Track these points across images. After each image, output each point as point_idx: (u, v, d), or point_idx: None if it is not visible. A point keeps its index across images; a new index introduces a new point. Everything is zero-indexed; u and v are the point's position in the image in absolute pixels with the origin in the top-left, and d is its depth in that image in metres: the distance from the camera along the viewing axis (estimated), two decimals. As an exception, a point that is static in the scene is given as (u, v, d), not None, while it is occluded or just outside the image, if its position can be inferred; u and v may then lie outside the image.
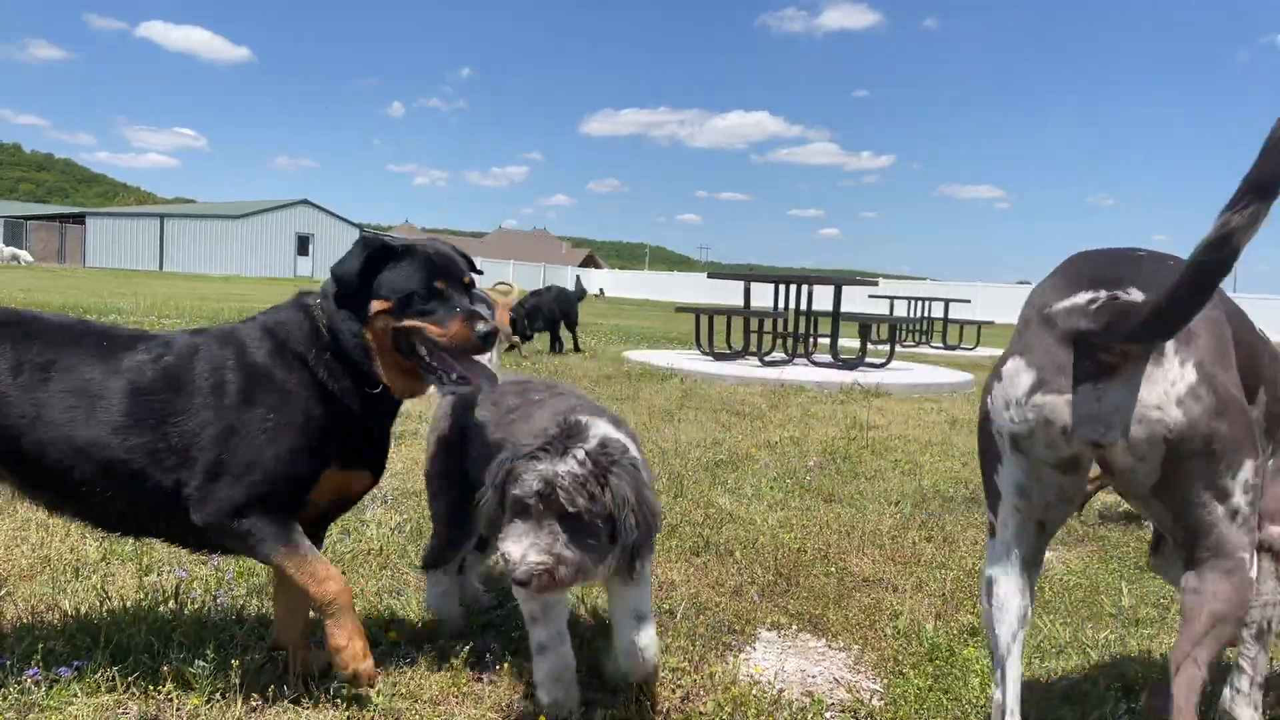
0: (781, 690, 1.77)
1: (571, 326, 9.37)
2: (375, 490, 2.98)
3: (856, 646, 2.02)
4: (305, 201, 45.21)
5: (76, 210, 48.07)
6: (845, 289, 9.13)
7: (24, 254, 35.71)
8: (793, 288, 8.77)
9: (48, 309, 8.90)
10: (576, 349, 9.22)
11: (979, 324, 13.86)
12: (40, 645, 1.66)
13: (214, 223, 42.11)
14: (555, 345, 9.01)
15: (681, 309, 9.36)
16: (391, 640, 1.89)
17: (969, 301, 15.93)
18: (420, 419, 4.46)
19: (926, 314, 14.00)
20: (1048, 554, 2.81)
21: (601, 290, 50.22)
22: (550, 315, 8.90)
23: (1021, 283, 41.55)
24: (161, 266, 40.15)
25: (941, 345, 13.39)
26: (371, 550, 2.41)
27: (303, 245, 44.52)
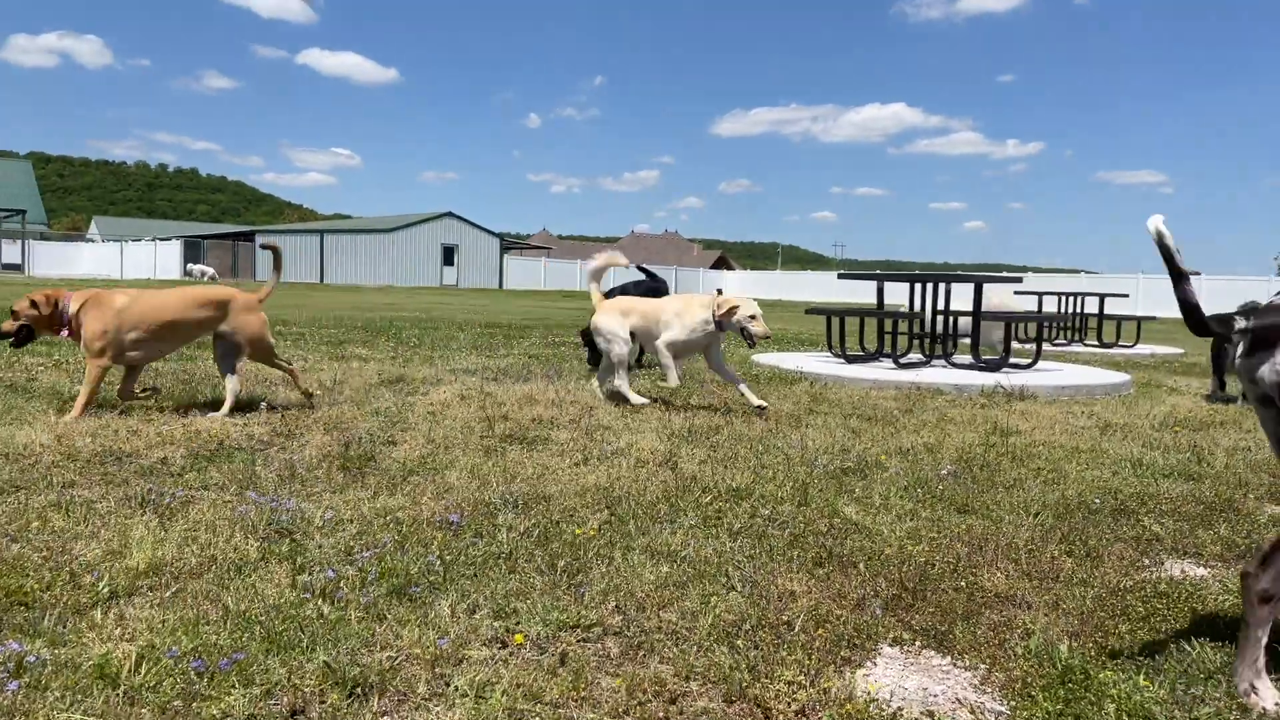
0: (900, 708, 1.74)
1: None
2: (506, 493, 3.12)
3: (983, 666, 1.96)
4: (449, 214, 47.29)
5: (246, 229, 52.05)
6: (991, 286, 8.75)
7: (210, 270, 39.21)
8: (929, 285, 8.48)
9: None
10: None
11: (1139, 319, 12.95)
12: (203, 639, 1.84)
13: (367, 237, 44.69)
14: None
15: (811, 310, 9.22)
16: (518, 643, 1.97)
17: (1127, 295, 14.89)
18: (554, 425, 4.61)
19: (1080, 310, 13.20)
20: (1202, 570, 2.63)
21: (720, 292, 50.01)
22: None
23: (1192, 274, 38.47)
24: (322, 279, 42.93)
25: (1097, 343, 12.59)
26: (501, 554, 2.52)
27: (448, 256, 46.59)
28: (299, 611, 2.05)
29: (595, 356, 6.84)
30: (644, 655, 1.95)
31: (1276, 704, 1.79)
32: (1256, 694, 1.81)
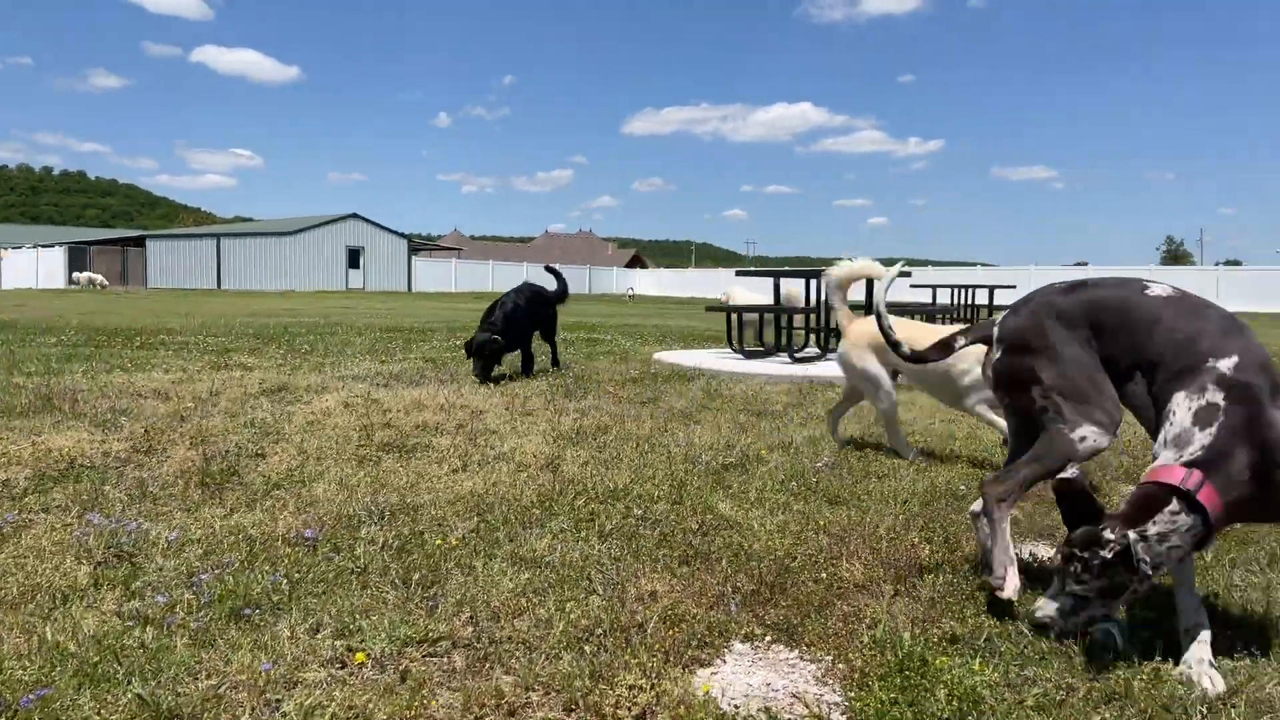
0: (738, 706, 1.74)
1: (549, 337, 7.67)
2: (372, 504, 3.02)
3: (829, 658, 1.98)
4: (355, 215, 46.12)
5: (137, 234, 49.70)
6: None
7: (99, 278, 37.26)
8: (823, 281, 8.64)
9: (106, 330, 9.16)
10: (555, 363, 7.64)
11: (1025, 309, 13.50)
12: (6, 675, 1.71)
13: (267, 240, 43.21)
14: (526, 365, 7.10)
15: (711, 308, 9.30)
16: (359, 662, 1.90)
17: (1015, 287, 15.52)
18: (437, 431, 4.51)
19: (971, 301, 13.71)
20: (1052, 551, 2.72)
21: (632, 291, 50.22)
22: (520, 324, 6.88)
23: (1079, 264, 40.46)
24: (219, 284, 41.33)
25: (986, 333, 13.09)
26: (355, 569, 2.43)
27: (354, 258, 45.43)
28: (120, 641, 1.93)
29: (486, 370, 6.46)
30: (489, 667, 1.90)
31: (1016, 589, 2.20)
32: (1006, 581, 2.21)
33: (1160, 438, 2.07)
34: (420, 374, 7.08)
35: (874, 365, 4.20)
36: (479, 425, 4.73)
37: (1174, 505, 1.91)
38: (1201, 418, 1.99)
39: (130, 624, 2.03)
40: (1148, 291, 2.28)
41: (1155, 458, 2.05)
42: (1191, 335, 2.13)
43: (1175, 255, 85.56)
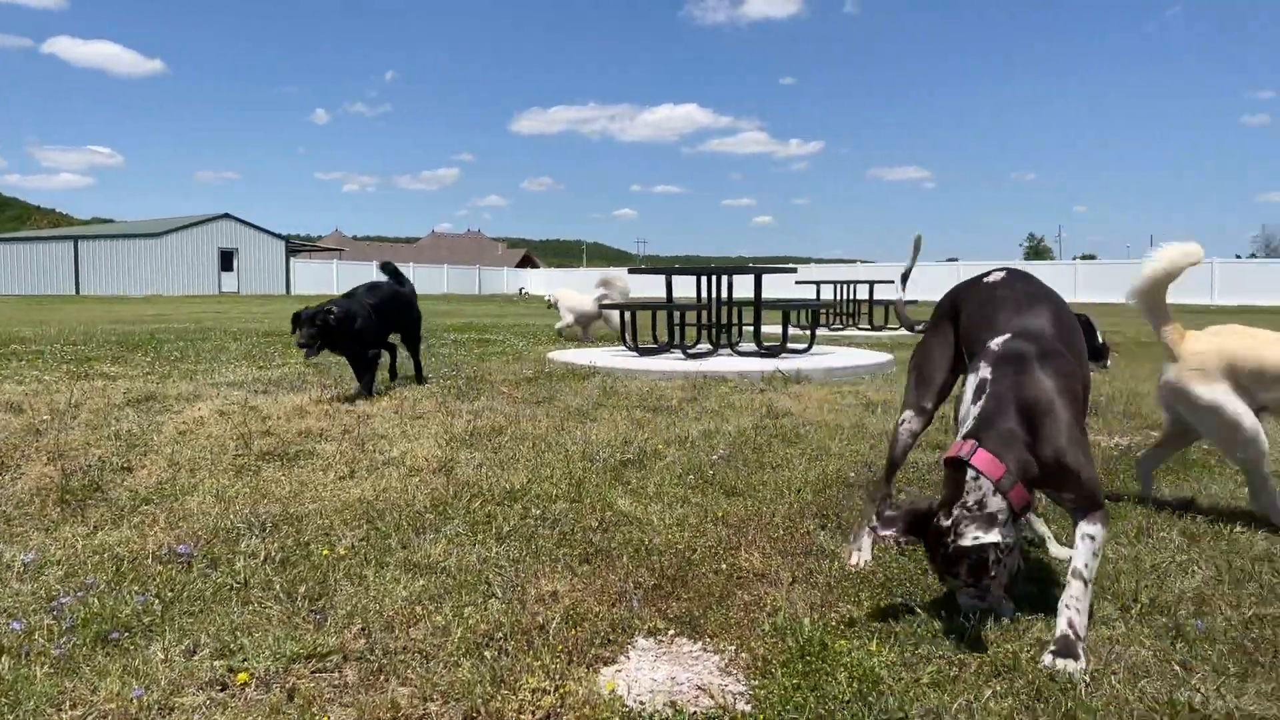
0: (644, 702, 1.72)
1: (413, 344, 6.52)
2: (252, 516, 2.86)
3: (732, 648, 1.98)
4: (227, 216, 44.02)
5: (-17, 237, 45.98)
6: (771, 277, 9.18)
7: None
8: (714, 278, 8.77)
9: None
10: (419, 379, 6.46)
11: (905, 303, 14.06)
12: None
13: (131, 242, 40.74)
14: (362, 370, 5.80)
15: (605, 306, 9.29)
16: (241, 682, 1.79)
17: (893, 282, 16.15)
18: (322, 437, 4.33)
19: (852, 296, 14.17)
20: (1108, 549, 2.75)
21: (522, 290, 49.87)
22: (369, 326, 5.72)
23: (950, 260, 42.50)
24: (78, 290, 38.70)
25: (869, 327, 13.57)
26: (235, 585, 2.29)
27: (226, 260, 43.35)
28: (-34, 677, 1.75)
29: (311, 342, 5.30)
30: (384, 679, 1.82)
31: (866, 563, 2.45)
32: (860, 551, 2.50)
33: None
34: (301, 379, 6.78)
35: (1228, 397, 2.90)
36: (367, 430, 4.57)
37: (971, 474, 2.02)
38: (976, 391, 2.17)
39: (-22, 657, 1.84)
40: (985, 280, 2.54)
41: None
42: (980, 322, 2.37)
43: (1037, 251, 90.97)
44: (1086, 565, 1.99)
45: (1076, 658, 1.85)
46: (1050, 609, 2.13)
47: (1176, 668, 1.85)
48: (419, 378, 6.61)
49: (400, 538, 2.72)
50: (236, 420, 4.73)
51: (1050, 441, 2.04)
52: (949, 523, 2.01)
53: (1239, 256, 42.33)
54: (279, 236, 46.12)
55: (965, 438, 2.09)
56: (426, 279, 48.88)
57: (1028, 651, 1.92)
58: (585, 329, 11.16)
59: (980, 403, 2.13)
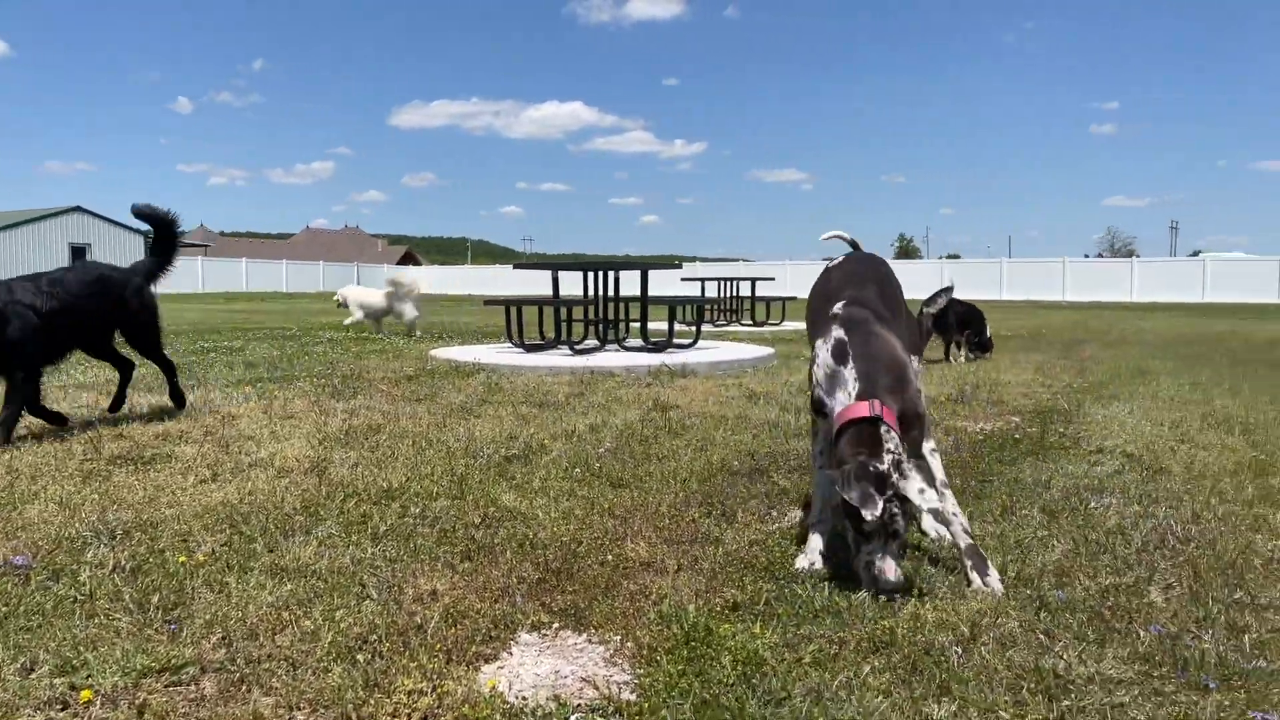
0: (526, 697, 1.67)
1: (150, 351, 4.66)
2: (101, 524, 2.65)
3: (617, 638, 1.95)
4: (79, 208, 41.17)
5: None
6: (657, 273, 9.22)
7: None
8: (600, 274, 8.74)
9: None
10: (178, 402, 4.83)
11: (784, 300, 14.45)
12: None
13: (-32, 237, 37.56)
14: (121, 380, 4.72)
15: (490, 301, 9.13)
16: (85, 701, 1.63)
17: (774, 279, 16.56)
18: (181, 439, 4.06)
19: (735, 293, 14.44)
20: (976, 526, 2.86)
21: (393, 285, 48.68)
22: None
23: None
24: (-95, 289, 35.31)
25: (751, 323, 13.86)
26: (79, 597, 2.11)
27: (78, 256, 40.51)
28: None
29: None
30: (246, 690, 1.70)
31: (815, 566, 2.38)
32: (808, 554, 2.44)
33: (815, 378, 2.49)
34: (159, 379, 6.37)
35: None
36: (231, 431, 4.32)
37: (883, 428, 2.25)
38: (837, 352, 2.42)
39: None
40: (829, 264, 2.96)
41: (825, 403, 2.42)
42: (827, 295, 2.73)
43: (906, 250, 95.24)
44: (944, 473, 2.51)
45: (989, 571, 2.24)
46: (925, 586, 2.20)
47: (1041, 637, 1.93)
48: (177, 401, 4.83)
49: (266, 541, 2.57)
50: (87, 422, 4.38)
51: (910, 394, 2.40)
52: (892, 477, 2.19)
53: (1087, 256, 45.48)
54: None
55: (861, 398, 2.32)
56: (302, 277, 46.99)
57: (903, 626, 1.96)
58: (377, 322, 11.68)
59: (851, 364, 2.38)
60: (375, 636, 1.91)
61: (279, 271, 46.61)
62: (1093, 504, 3.05)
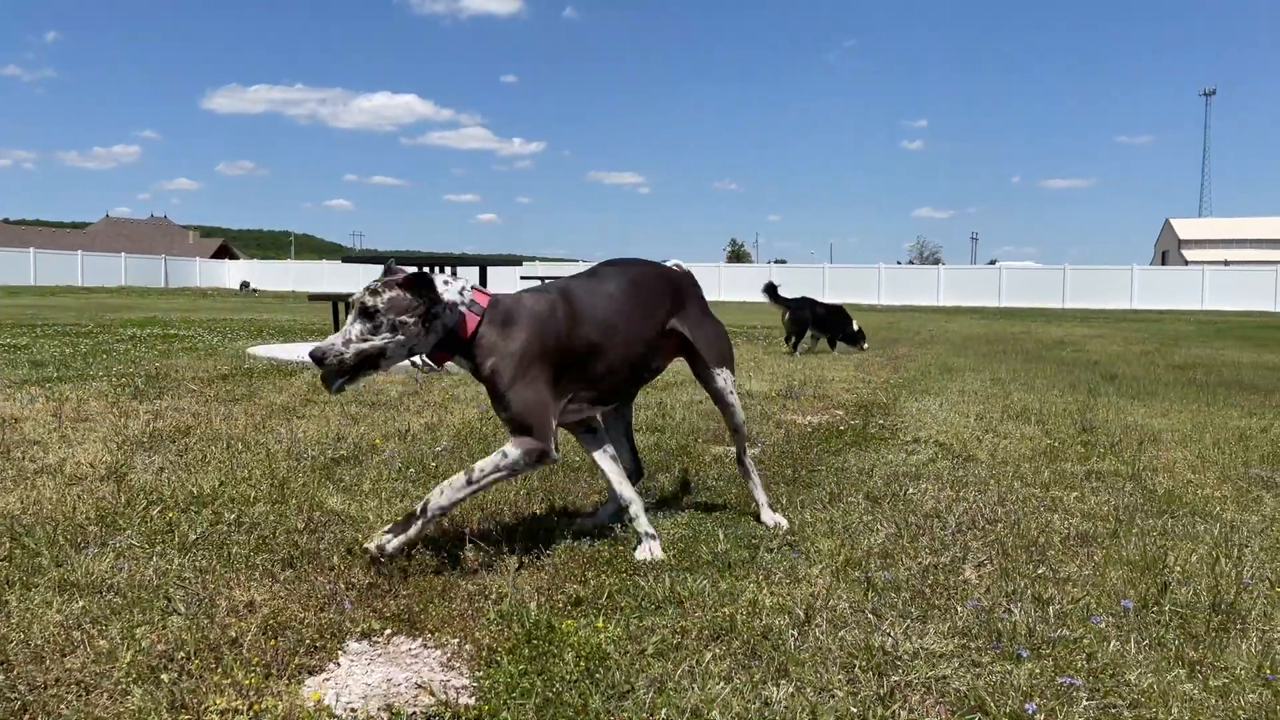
0: (355, 709, 1.56)
1: None
2: None
3: (454, 640, 1.87)
4: None
5: None
6: (496, 271, 9.06)
7: None
8: (436, 270, 8.49)
9: None
10: None
11: (622, 299, 14.59)
12: None
13: None
14: None
15: (316, 297, 8.67)
16: None
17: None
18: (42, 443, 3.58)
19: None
20: (807, 514, 2.88)
21: (246, 285, 45.75)
22: None
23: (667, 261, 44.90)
24: None
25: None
26: None
27: None
28: None
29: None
30: (32, 718, 1.50)
31: (655, 555, 2.40)
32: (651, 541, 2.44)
33: None
34: (-73, 380, 5.63)
35: None
36: (14, 435, 3.86)
37: None
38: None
39: None
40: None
41: None
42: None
43: (738, 255, 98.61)
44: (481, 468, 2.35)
45: (404, 530, 2.24)
46: (762, 572, 2.25)
47: (870, 616, 2.01)
48: None
49: (54, 555, 2.29)
50: None
51: None
52: None
53: (900, 263, 48.80)
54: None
55: None
56: (100, 270, 42.97)
57: (742, 612, 1.99)
58: None
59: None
60: (182, 654, 1.73)
61: (74, 263, 42.43)
62: (911, 490, 3.24)
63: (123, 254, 46.26)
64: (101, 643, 1.78)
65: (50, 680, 1.64)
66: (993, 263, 50.19)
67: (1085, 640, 1.89)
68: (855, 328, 9.59)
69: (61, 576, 2.13)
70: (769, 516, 2.77)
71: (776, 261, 55.08)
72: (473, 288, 2.43)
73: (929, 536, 2.66)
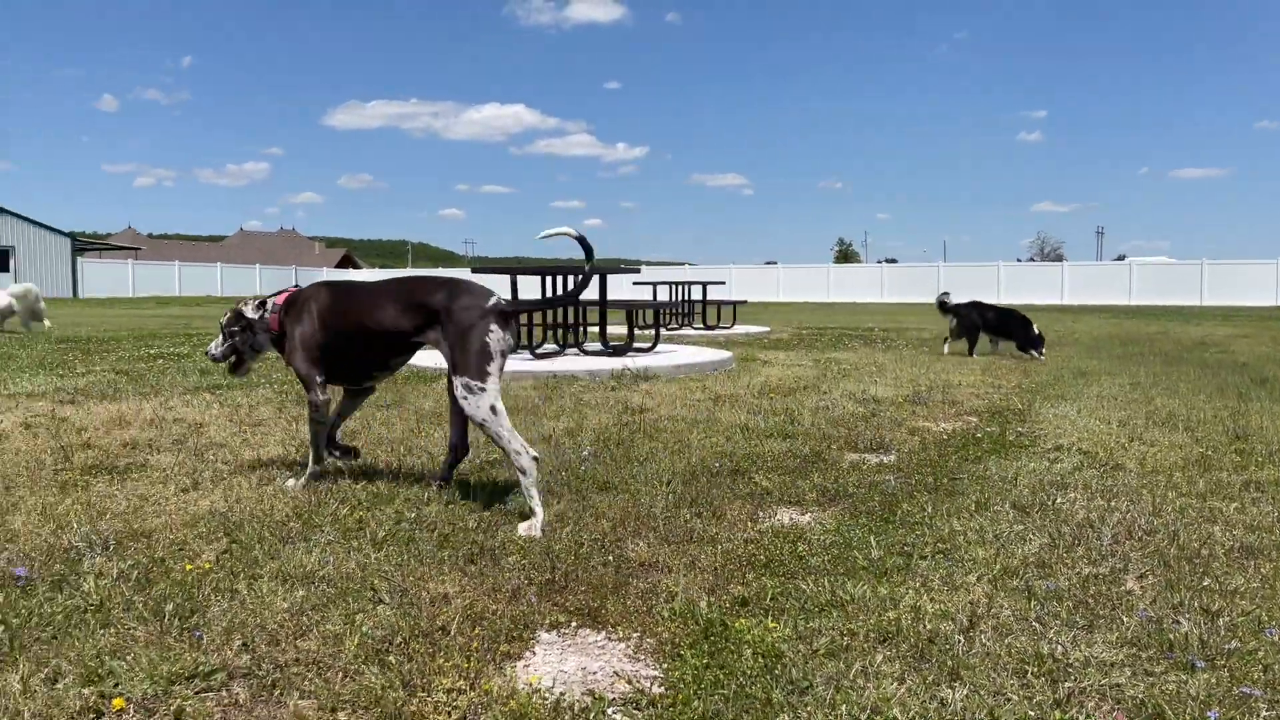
0: (562, 693, 1.72)
1: None
2: (94, 534, 2.62)
3: (636, 634, 2.02)
4: (1, 210, 39.48)
5: None
6: (611, 277, 9.29)
7: None
8: (558, 278, 8.78)
9: None
10: None
11: (734, 304, 14.64)
12: None
13: (-122, 238, 35.78)
14: None
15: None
16: (118, 709, 1.64)
17: (724, 283, 16.78)
18: (151, 448, 3.99)
19: (687, 297, 14.58)
20: (806, 517, 2.99)
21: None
22: None
23: (769, 263, 44.69)
24: None
25: (703, 326, 14.01)
26: (89, 606, 2.09)
27: (2, 260, 38.89)
28: None
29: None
30: (281, 694, 1.72)
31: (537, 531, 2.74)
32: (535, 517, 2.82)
33: None
34: (113, 387, 6.22)
35: None
36: (202, 439, 4.26)
37: None
38: None
39: None
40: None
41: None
42: None
43: (846, 254, 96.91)
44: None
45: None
46: (919, 579, 2.31)
47: (1035, 624, 2.06)
48: None
49: (266, 549, 2.56)
50: (49, 433, 4.27)
51: None
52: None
53: (1019, 260, 46.90)
54: (63, 233, 41.86)
55: None
56: (238, 280, 45.84)
57: (907, 618, 2.07)
58: (2, 321, 12.57)
59: None
60: (400, 639, 1.94)
61: (213, 275, 45.41)
62: (1059, 499, 3.22)
63: (257, 265, 49.20)
64: (328, 627, 2.01)
65: (289, 660, 1.86)
66: (1121, 258, 47.60)
67: (1260, 653, 1.89)
68: (1034, 331, 9.26)
69: (278, 568, 2.39)
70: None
71: (887, 261, 53.86)
72: None
73: (1085, 546, 2.65)
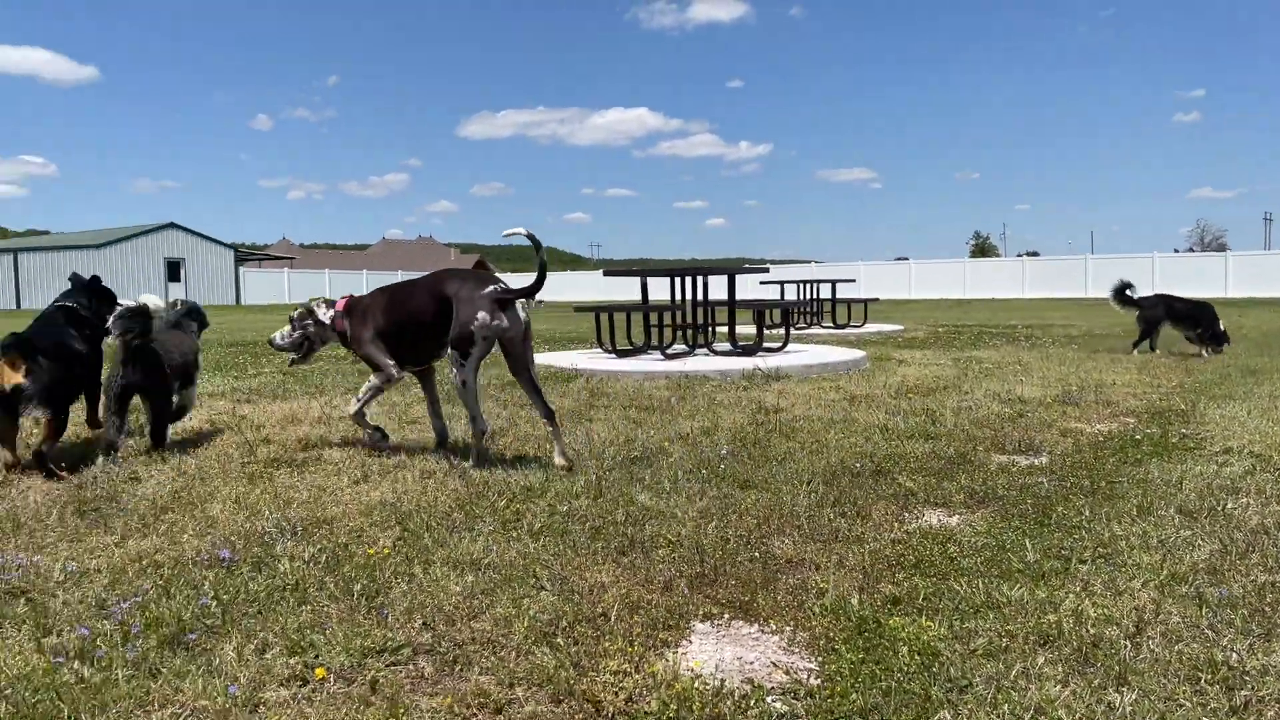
0: (723, 680, 1.79)
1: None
2: (284, 521, 2.87)
3: (788, 628, 2.07)
4: (173, 225, 43.08)
5: (-87, 250, 44.36)
6: (739, 277, 9.33)
7: None
8: (688, 279, 8.87)
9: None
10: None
11: (865, 301, 14.34)
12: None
13: (73, 254, 39.63)
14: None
15: (580, 308, 9.34)
16: (320, 677, 1.82)
17: (854, 281, 16.46)
18: (323, 444, 4.32)
19: (816, 296, 14.40)
20: (954, 519, 2.95)
21: (540, 302, 49.47)
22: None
23: (900, 259, 43.38)
24: (19, 304, 37.52)
25: (832, 325, 13.80)
26: (287, 585, 2.31)
27: (173, 271, 42.40)
28: (53, 679, 1.76)
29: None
30: (461, 669, 1.87)
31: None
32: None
33: None
34: (282, 388, 6.74)
35: None
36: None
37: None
38: None
39: (58, 660, 1.85)
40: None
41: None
42: None
43: (982, 248, 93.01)
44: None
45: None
46: (1079, 583, 2.25)
47: (1206, 631, 1.98)
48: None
49: (434, 537, 2.75)
50: (233, 429, 4.69)
51: None
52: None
53: (1176, 250, 43.72)
54: (227, 245, 45.26)
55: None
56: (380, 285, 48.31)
57: (1068, 621, 2.03)
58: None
59: None
60: (565, 623, 2.06)
61: (360, 281, 47.99)
62: (1230, 504, 3.05)
63: (399, 271, 51.65)
64: (498, 610, 2.15)
65: (465, 639, 2.01)
66: (1294, 246, 43.56)
67: None
68: (1221, 327, 8.74)
69: (447, 555, 2.57)
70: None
71: (1028, 254, 51.31)
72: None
73: (1259, 554, 2.51)
